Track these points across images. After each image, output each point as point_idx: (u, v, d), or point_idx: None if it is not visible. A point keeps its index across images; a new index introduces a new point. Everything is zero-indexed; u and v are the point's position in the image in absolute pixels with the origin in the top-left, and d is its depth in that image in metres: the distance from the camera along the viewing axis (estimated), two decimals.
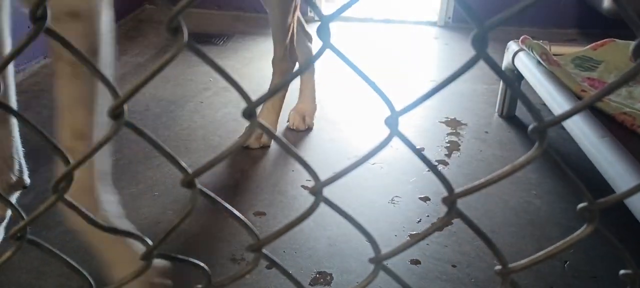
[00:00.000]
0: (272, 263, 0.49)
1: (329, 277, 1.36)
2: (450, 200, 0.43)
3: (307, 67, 0.39)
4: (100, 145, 0.42)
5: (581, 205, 0.41)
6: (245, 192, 1.72)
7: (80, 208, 0.45)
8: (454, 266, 1.41)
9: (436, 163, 1.89)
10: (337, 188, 1.74)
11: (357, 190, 1.74)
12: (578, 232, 0.42)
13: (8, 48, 1.34)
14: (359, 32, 3.36)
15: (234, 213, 0.46)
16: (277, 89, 0.45)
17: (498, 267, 0.44)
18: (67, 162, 0.42)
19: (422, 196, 1.71)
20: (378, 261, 0.48)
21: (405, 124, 2.23)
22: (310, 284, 1.34)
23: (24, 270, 1.33)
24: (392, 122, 0.41)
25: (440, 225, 0.44)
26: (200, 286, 0.49)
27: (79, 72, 0.91)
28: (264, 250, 0.48)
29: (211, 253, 1.44)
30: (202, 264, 0.48)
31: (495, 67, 0.40)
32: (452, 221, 1.57)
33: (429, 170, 1.89)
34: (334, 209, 0.46)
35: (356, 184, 1.76)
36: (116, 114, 0.39)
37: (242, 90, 0.39)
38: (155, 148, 0.43)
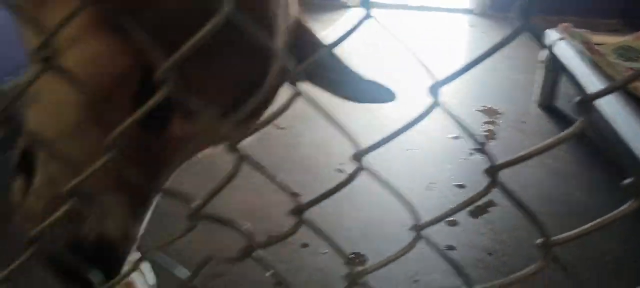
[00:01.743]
0: (313, 230, 0.50)
1: (363, 258, 1.36)
2: (492, 171, 0.43)
3: (347, 36, 0.39)
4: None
5: (627, 181, 0.40)
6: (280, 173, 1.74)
7: None
8: (490, 254, 1.40)
9: (472, 152, 1.87)
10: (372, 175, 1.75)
11: (393, 176, 1.73)
12: (624, 206, 0.42)
13: None
14: (392, 19, 3.33)
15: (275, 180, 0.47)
16: None
17: (540, 240, 0.44)
18: None
19: (458, 183, 1.69)
20: (418, 229, 0.49)
21: (441, 111, 2.21)
22: (345, 264, 1.35)
23: None
24: (435, 90, 0.41)
25: (484, 193, 0.44)
26: (247, 247, 0.50)
27: None
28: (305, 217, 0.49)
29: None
30: (246, 225, 0.49)
31: (539, 37, 0.40)
32: (489, 209, 1.56)
33: (465, 158, 1.89)
34: (374, 177, 0.46)
35: (392, 170, 1.76)
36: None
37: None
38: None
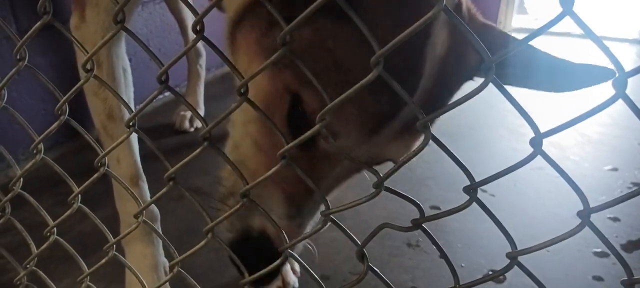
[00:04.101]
0: (484, 210, 0.54)
1: (501, 277, 1.35)
2: None
3: (545, 30, 0.41)
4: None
5: None
6: (419, 186, 1.77)
7: None
8: None
9: (631, 186, 1.75)
10: (518, 195, 1.71)
11: (542, 198, 1.69)
12: None
13: None
14: (554, 46, 3.20)
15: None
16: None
17: None
18: None
19: (612, 216, 1.60)
20: (586, 215, 0.50)
21: (597, 142, 2.10)
22: (481, 279, 1.35)
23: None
24: (620, 81, 0.43)
25: None
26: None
27: None
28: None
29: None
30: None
31: None
32: None
33: (621, 191, 1.77)
34: (548, 162, 0.49)
35: (539, 194, 1.71)
36: None
37: None
38: None
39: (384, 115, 0.65)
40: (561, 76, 0.72)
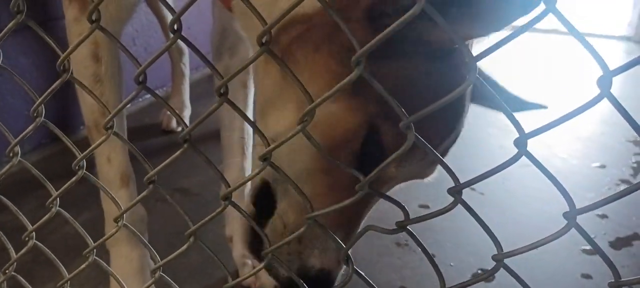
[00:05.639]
0: (469, 211, 0.53)
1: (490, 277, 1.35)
2: None
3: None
4: None
5: None
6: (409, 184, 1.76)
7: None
8: None
9: (619, 183, 1.76)
10: (507, 193, 1.71)
11: (531, 197, 1.69)
12: None
13: None
14: (542, 44, 3.21)
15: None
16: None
17: None
18: None
19: (600, 213, 1.60)
20: (572, 216, 0.50)
21: (586, 139, 2.10)
22: (471, 277, 1.34)
23: None
24: (604, 81, 0.42)
25: None
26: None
27: None
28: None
29: None
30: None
31: None
32: (633, 243, 1.46)
33: (609, 188, 1.78)
34: (534, 163, 0.48)
35: (528, 192, 1.71)
36: None
37: None
38: None
39: (439, 142, 0.70)
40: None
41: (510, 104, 0.79)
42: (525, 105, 0.86)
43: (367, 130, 0.67)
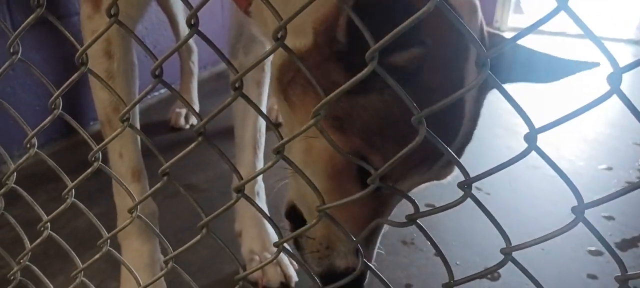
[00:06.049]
0: (479, 207, 0.54)
1: (496, 274, 1.36)
2: None
3: (536, 27, 0.41)
4: None
5: None
6: None
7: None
8: None
9: (625, 185, 1.76)
10: (514, 193, 1.72)
11: (536, 199, 1.69)
12: None
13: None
14: (550, 46, 3.21)
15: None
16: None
17: None
18: None
19: (606, 215, 1.61)
20: (580, 210, 0.51)
21: (593, 141, 2.10)
22: (475, 275, 1.35)
23: None
24: (615, 77, 0.43)
25: None
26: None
27: None
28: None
29: None
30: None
31: None
32: (638, 244, 1.46)
33: (615, 190, 1.77)
34: (543, 158, 0.49)
35: (534, 193, 1.72)
36: None
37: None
38: None
39: (438, 156, 0.75)
40: (545, 68, 0.83)
41: (563, 68, 0.84)
42: (579, 66, 0.86)
43: (358, 159, 0.70)
